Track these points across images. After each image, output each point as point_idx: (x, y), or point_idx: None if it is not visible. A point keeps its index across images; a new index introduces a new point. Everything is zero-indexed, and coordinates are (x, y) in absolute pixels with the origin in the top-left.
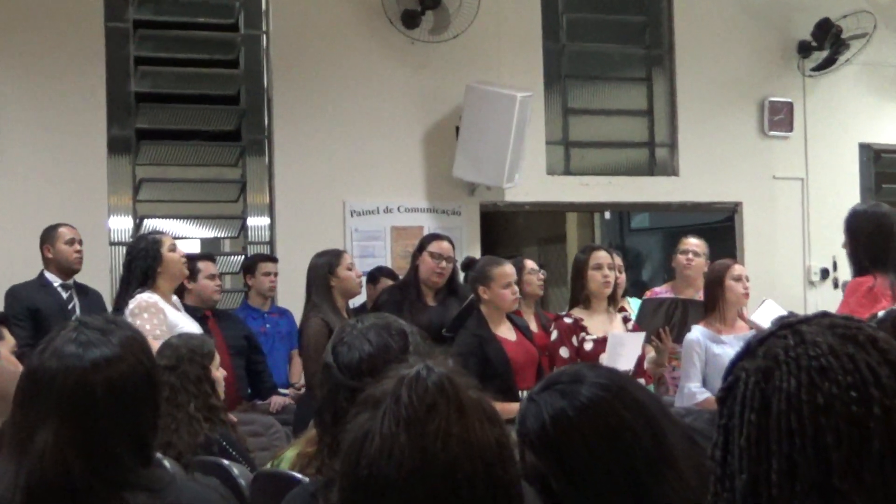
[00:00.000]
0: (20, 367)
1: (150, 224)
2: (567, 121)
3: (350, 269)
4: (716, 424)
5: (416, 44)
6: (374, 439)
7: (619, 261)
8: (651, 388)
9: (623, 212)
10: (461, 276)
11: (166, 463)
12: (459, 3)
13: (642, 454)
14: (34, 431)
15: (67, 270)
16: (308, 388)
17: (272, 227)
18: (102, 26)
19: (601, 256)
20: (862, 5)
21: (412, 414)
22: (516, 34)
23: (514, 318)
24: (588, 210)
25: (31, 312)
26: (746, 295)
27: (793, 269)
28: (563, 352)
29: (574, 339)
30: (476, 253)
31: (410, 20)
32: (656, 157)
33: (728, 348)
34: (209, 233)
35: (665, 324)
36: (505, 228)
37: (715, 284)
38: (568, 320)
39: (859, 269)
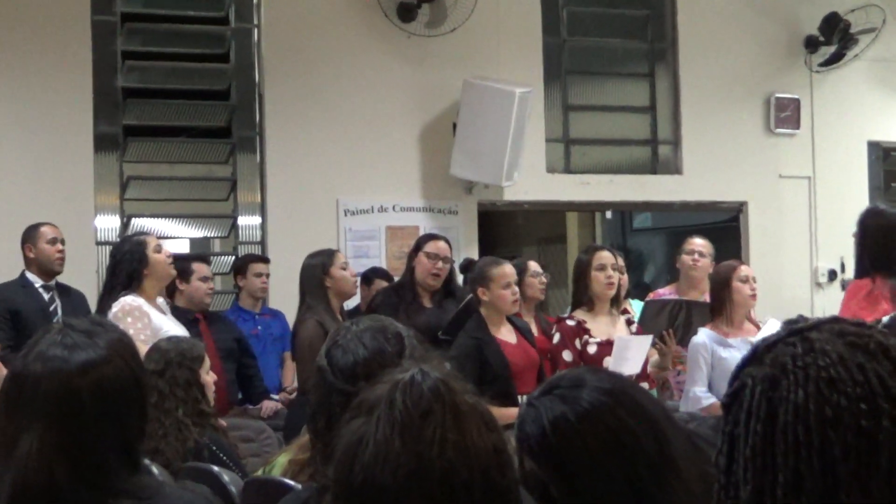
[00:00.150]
0: (3, 371)
1: (137, 223)
2: (567, 117)
3: (344, 269)
4: (720, 430)
5: (413, 38)
6: (369, 445)
7: (620, 262)
8: (654, 392)
9: (625, 211)
10: (460, 277)
11: (154, 470)
12: None
13: (645, 460)
14: (18, 437)
15: (49, 271)
16: (301, 392)
17: (263, 226)
18: (89, 19)
19: (605, 257)
20: None
21: (407, 419)
22: (515, 28)
23: (516, 321)
24: (589, 209)
25: (12, 314)
26: (754, 297)
27: (800, 270)
28: (566, 355)
29: (577, 342)
30: (473, 254)
31: (406, 13)
32: (659, 155)
33: (735, 352)
34: (199, 232)
35: (669, 326)
36: (503, 228)
37: (721, 286)
38: (570, 322)
39: (861, 269)
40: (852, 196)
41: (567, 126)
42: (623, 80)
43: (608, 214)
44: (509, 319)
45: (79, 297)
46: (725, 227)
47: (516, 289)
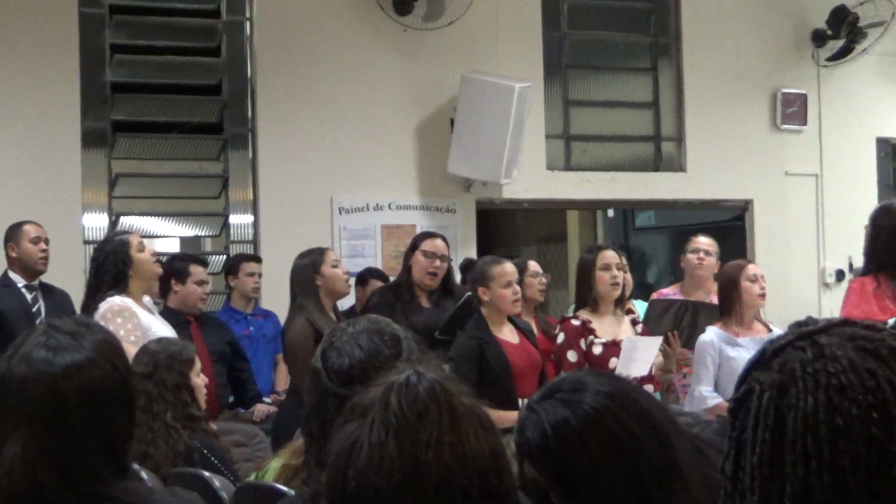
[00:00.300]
0: None
1: (126, 222)
2: (568, 113)
3: (336, 267)
4: (727, 435)
5: (409, 31)
6: (363, 449)
7: (623, 261)
8: (658, 395)
9: (627, 209)
10: (458, 276)
11: (144, 475)
12: None
13: (648, 466)
14: (2, 442)
15: (32, 271)
16: (291, 393)
17: (256, 224)
18: (76, 12)
19: (609, 256)
20: None
21: (402, 421)
22: (515, 21)
23: (517, 321)
24: (590, 207)
25: None
26: (763, 296)
27: (807, 270)
28: (571, 355)
29: (582, 342)
30: (471, 253)
31: (403, 6)
32: (662, 152)
33: (744, 351)
34: (189, 231)
35: (674, 327)
36: (502, 227)
37: (729, 286)
38: (575, 322)
39: (868, 267)
40: (860, 194)
41: (568, 122)
42: (625, 74)
43: (610, 213)
44: (511, 320)
45: (63, 297)
46: (730, 226)
47: (517, 288)
